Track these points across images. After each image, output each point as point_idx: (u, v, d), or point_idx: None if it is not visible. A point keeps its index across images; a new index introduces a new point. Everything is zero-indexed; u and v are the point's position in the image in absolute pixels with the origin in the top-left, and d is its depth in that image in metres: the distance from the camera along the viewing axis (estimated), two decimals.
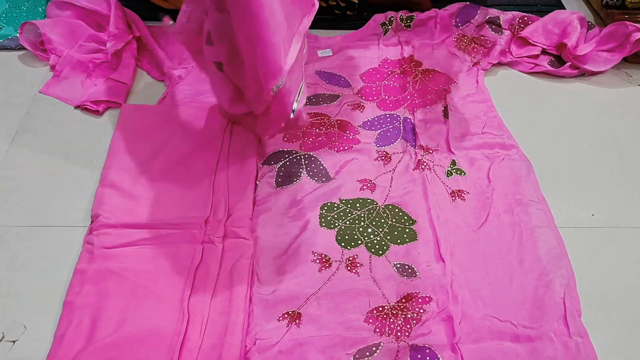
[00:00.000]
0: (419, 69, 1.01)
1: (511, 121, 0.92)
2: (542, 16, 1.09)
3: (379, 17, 1.07)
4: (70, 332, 0.66)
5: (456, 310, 0.69)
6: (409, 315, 0.69)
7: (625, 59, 1.05)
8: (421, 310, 0.70)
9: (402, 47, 1.05)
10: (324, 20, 1.10)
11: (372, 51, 1.05)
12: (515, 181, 0.84)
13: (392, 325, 0.69)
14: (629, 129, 0.94)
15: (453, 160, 0.86)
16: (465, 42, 1.05)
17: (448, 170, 0.85)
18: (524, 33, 1.03)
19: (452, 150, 0.88)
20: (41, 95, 0.95)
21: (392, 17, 1.07)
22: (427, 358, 0.66)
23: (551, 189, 0.83)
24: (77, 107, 0.94)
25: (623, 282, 0.74)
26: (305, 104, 0.93)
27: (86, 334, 0.65)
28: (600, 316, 0.71)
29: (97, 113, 0.93)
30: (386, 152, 0.88)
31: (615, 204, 0.83)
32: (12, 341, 0.66)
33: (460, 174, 0.85)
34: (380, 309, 0.70)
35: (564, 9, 1.15)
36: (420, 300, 0.71)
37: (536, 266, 0.74)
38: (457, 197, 0.82)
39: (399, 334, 0.68)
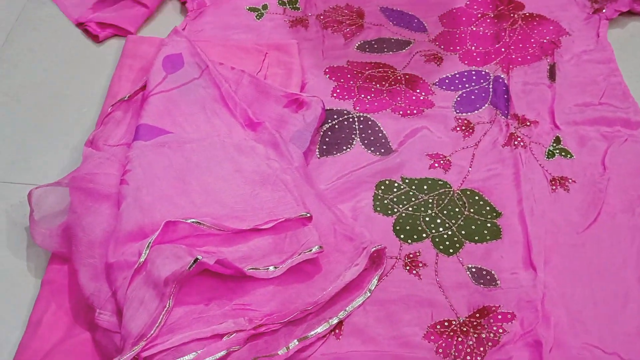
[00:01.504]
0: (520, 12, 1.00)
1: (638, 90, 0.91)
2: None
3: None
4: (48, 319, 0.69)
5: (547, 334, 0.70)
6: (484, 335, 0.70)
7: None
8: (500, 330, 0.70)
9: None
10: None
11: None
12: (639, 172, 0.83)
13: (460, 346, 0.70)
14: None
15: (557, 137, 0.86)
16: None
17: (549, 150, 0.85)
18: None
19: (557, 124, 0.87)
20: (24, 19, 0.99)
21: None
22: None
23: None
24: (78, 24, 0.97)
25: None
26: (366, 50, 0.95)
27: (67, 323, 0.69)
28: None
29: (96, 39, 0.96)
30: (468, 121, 0.88)
31: None
32: None
33: (565, 155, 0.85)
34: (447, 324, 0.71)
35: None
36: (499, 317, 0.71)
37: None
38: (558, 187, 0.82)
39: (468, 357, 0.69)
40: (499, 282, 0.74)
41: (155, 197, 0.72)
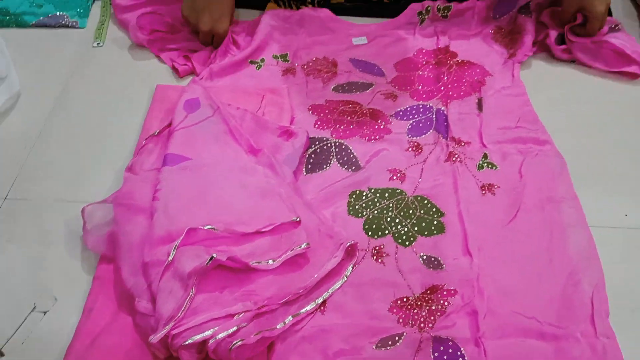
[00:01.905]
0: (454, 60, 0.99)
1: (546, 116, 0.90)
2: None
3: (415, 6, 1.06)
4: (98, 306, 0.67)
5: (481, 304, 0.69)
6: (433, 307, 0.69)
7: None
8: (446, 303, 0.69)
9: (438, 37, 1.03)
10: (358, 8, 1.09)
11: (408, 40, 1.03)
12: (547, 178, 0.82)
13: (415, 316, 0.68)
14: None
15: (485, 154, 0.85)
16: (502, 34, 1.03)
17: (479, 163, 0.84)
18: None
19: (485, 143, 0.86)
20: (79, 74, 0.97)
21: (429, 6, 1.05)
22: (450, 350, 0.65)
23: (584, 187, 0.81)
24: (160, 51, 0.99)
25: None
26: (339, 91, 0.93)
27: (113, 309, 0.67)
28: (629, 318, 0.69)
29: (178, 73, 0.96)
30: (418, 143, 0.87)
31: None
32: (44, 312, 0.68)
33: (491, 167, 0.84)
34: (405, 299, 0.70)
35: None
36: (445, 292, 0.70)
37: (565, 265, 0.73)
38: (487, 191, 0.81)
39: (422, 325, 0.68)
40: (444, 266, 0.73)
41: (180, 209, 0.71)
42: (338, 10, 1.08)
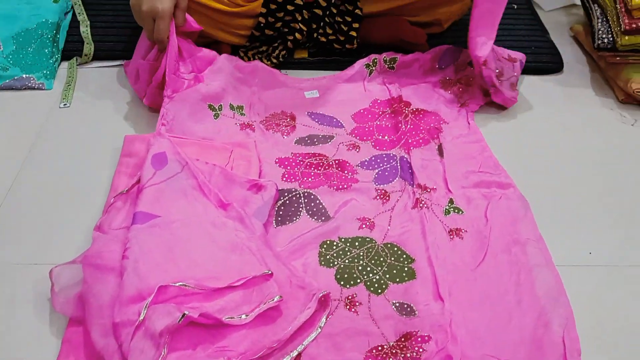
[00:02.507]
0: (409, 108, 1.02)
1: (506, 159, 0.93)
2: (536, 59, 1.13)
3: (362, 60, 1.09)
4: None
5: (455, 349, 0.69)
6: (409, 355, 0.69)
7: (618, 100, 1.07)
8: (420, 350, 0.69)
9: (387, 87, 1.07)
10: (321, 62, 1.13)
11: (359, 92, 1.07)
12: (512, 220, 0.84)
13: None
14: (624, 168, 0.95)
15: (451, 199, 0.87)
16: (451, 83, 1.07)
17: (446, 208, 0.86)
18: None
19: (450, 189, 0.89)
20: (46, 135, 0.97)
21: (375, 58, 1.09)
22: None
23: (548, 227, 0.83)
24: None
25: (622, 321, 0.74)
26: (302, 144, 0.95)
27: None
28: (600, 355, 0.70)
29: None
30: (385, 191, 0.88)
31: (612, 242, 0.84)
32: None
33: (458, 212, 0.86)
34: (380, 348, 0.70)
35: (558, 52, 1.17)
36: (419, 339, 0.70)
37: (535, 306, 0.74)
38: (455, 236, 0.82)
39: None
40: (416, 312, 0.73)
41: (150, 267, 0.70)
42: (302, 65, 1.11)
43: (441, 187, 0.89)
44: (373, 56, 1.09)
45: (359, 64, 1.09)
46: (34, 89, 1.06)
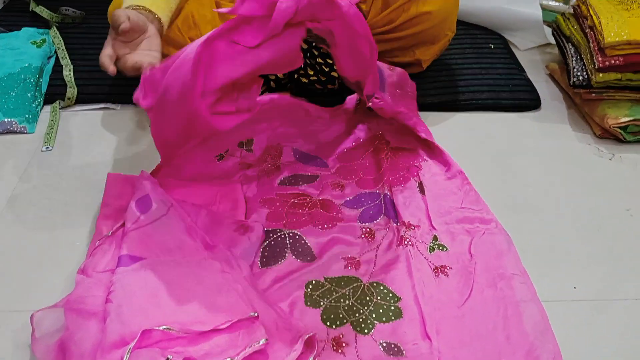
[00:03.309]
0: (389, 146, 1.03)
1: (487, 195, 0.94)
2: (514, 96, 1.16)
3: (352, 97, 1.10)
4: None
5: None
6: None
7: (595, 135, 1.09)
8: None
9: (368, 127, 1.07)
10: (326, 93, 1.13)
11: (344, 132, 1.07)
12: (496, 255, 0.85)
13: None
14: (603, 203, 0.96)
15: (435, 236, 0.88)
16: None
17: (430, 245, 0.86)
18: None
19: (434, 225, 0.89)
20: (27, 179, 0.96)
21: (359, 98, 1.09)
22: None
23: (531, 263, 0.84)
24: None
25: (608, 355, 0.74)
26: (286, 185, 0.95)
27: None
28: None
29: None
30: (370, 229, 0.89)
31: (596, 277, 0.84)
32: None
33: (442, 249, 0.86)
34: None
35: (535, 89, 1.20)
36: None
37: (523, 342, 0.74)
38: (440, 273, 0.82)
39: None
40: (404, 352, 0.73)
41: (134, 311, 0.69)
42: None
43: (425, 223, 0.89)
44: (356, 96, 1.10)
45: (350, 101, 1.10)
46: (15, 132, 1.06)
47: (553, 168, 1.03)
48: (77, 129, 1.08)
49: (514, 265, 0.83)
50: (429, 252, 0.85)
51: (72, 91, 1.13)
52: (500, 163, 1.04)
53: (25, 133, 1.06)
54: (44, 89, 1.15)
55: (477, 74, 1.22)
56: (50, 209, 0.91)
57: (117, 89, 1.14)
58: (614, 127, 1.06)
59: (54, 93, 1.14)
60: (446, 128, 1.11)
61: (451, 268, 0.83)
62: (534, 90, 1.20)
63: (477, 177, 0.98)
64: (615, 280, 0.84)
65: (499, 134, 1.10)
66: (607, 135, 1.09)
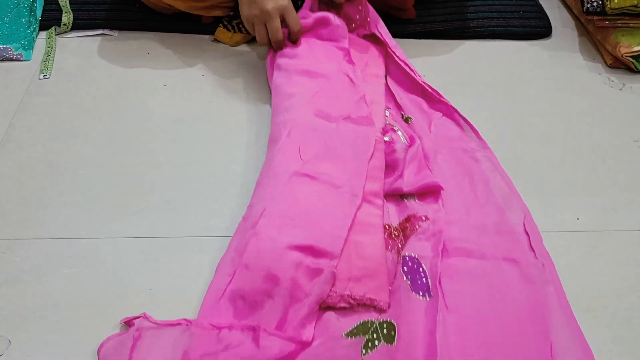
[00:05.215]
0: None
1: (494, 124, 0.92)
2: (524, 23, 1.11)
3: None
4: None
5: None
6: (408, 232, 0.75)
7: (607, 64, 1.06)
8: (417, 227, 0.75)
9: None
10: None
11: None
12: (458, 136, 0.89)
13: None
14: (611, 134, 0.95)
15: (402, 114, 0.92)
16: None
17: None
18: None
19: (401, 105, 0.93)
20: (25, 107, 0.94)
21: None
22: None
23: (535, 194, 0.83)
24: None
25: (610, 285, 0.74)
26: None
27: None
28: (588, 319, 0.71)
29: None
30: None
31: (599, 207, 0.84)
32: None
33: (408, 121, 0.90)
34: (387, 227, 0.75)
35: (546, 16, 1.16)
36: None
37: (495, 207, 0.79)
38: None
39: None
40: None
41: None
42: None
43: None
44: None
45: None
46: (12, 60, 1.03)
47: (561, 98, 1.01)
48: (75, 55, 1.05)
49: (476, 144, 0.87)
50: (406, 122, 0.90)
51: (67, 16, 1.09)
52: (507, 92, 1.01)
53: (22, 60, 1.03)
54: (39, 14, 1.11)
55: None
56: (51, 136, 0.90)
57: (114, 14, 1.10)
58: (626, 55, 1.03)
59: (49, 19, 1.10)
60: (453, 56, 1.08)
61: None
62: (545, 17, 1.15)
63: (482, 106, 0.96)
64: (618, 211, 0.83)
65: (507, 63, 1.06)
66: (619, 64, 1.06)
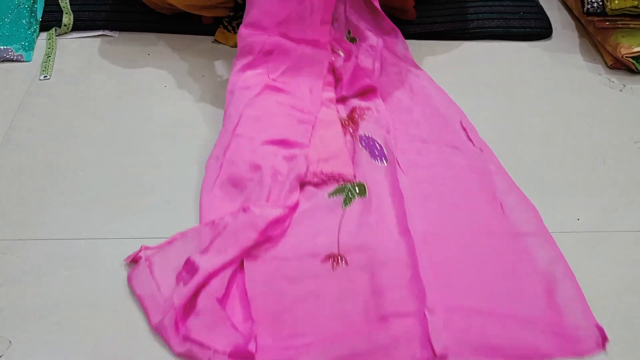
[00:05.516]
0: None
1: (494, 125, 0.92)
2: (524, 24, 1.11)
3: None
4: None
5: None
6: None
7: (607, 65, 1.06)
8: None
9: None
10: None
11: None
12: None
13: None
14: (611, 135, 0.95)
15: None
16: None
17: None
18: None
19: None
20: (26, 109, 0.94)
21: None
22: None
23: (536, 194, 0.83)
24: None
25: (610, 285, 0.74)
26: None
27: None
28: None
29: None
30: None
31: (600, 208, 0.84)
32: None
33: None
34: None
35: (546, 17, 1.16)
36: None
37: (432, 102, 0.92)
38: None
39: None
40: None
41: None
42: None
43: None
44: None
45: None
46: (12, 60, 1.03)
47: (561, 98, 1.01)
48: (75, 56, 1.05)
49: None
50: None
51: (68, 17, 1.10)
52: (507, 92, 1.01)
53: (22, 61, 1.03)
54: (40, 15, 1.11)
55: (486, 0, 1.18)
56: (51, 137, 0.90)
57: (115, 15, 1.10)
58: (626, 56, 1.03)
59: (50, 20, 1.10)
60: (454, 57, 1.08)
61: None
62: (545, 18, 1.15)
63: (482, 106, 0.96)
64: (618, 212, 0.83)
65: (507, 63, 1.07)
66: (619, 65, 1.06)
